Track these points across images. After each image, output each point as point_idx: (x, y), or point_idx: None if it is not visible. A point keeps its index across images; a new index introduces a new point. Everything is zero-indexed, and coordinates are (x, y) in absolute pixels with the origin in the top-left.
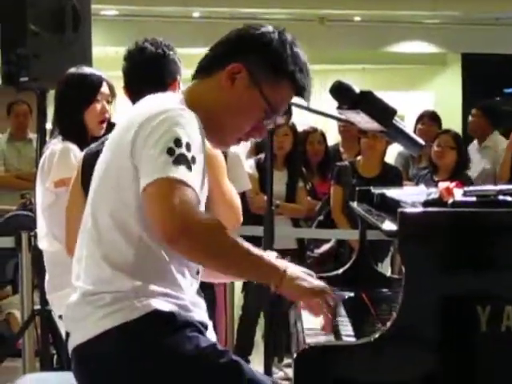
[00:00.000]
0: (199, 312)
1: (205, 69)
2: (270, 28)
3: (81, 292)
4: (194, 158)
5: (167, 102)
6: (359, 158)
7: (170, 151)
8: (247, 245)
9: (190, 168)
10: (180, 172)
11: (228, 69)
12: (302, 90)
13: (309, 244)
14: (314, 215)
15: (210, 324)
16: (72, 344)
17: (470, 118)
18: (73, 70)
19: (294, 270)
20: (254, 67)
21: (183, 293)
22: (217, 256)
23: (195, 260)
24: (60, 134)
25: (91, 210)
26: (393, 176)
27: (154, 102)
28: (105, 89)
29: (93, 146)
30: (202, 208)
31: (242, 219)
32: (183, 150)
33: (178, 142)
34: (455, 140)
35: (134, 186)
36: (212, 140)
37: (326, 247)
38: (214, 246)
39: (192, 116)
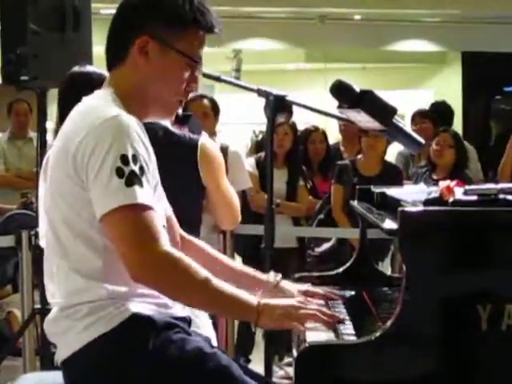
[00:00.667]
0: (180, 307)
1: (115, 58)
2: None
3: (57, 307)
4: (142, 168)
5: (102, 108)
6: (360, 156)
7: (119, 172)
8: (217, 282)
9: (141, 184)
10: (134, 194)
11: (136, 46)
12: (210, 29)
13: (309, 243)
14: (314, 214)
15: (204, 321)
16: (59, 358)
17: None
18: (76, 68)
19: (266, 301)
20: (158, 32)
21: None
22: (181, 295)
23: (163, 294)
24: None
25: (47, 218)
26: (393, 175)
27: (90, 110)
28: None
29: None
30: (162, 214)
31: (240, 218)
32: (131, 165)
33: (124, 158)
34: (454, 139)
35: (85, 200)
36: (157, 114)
37: (326, 246)
38: (176, 285)
39: (127, 118)
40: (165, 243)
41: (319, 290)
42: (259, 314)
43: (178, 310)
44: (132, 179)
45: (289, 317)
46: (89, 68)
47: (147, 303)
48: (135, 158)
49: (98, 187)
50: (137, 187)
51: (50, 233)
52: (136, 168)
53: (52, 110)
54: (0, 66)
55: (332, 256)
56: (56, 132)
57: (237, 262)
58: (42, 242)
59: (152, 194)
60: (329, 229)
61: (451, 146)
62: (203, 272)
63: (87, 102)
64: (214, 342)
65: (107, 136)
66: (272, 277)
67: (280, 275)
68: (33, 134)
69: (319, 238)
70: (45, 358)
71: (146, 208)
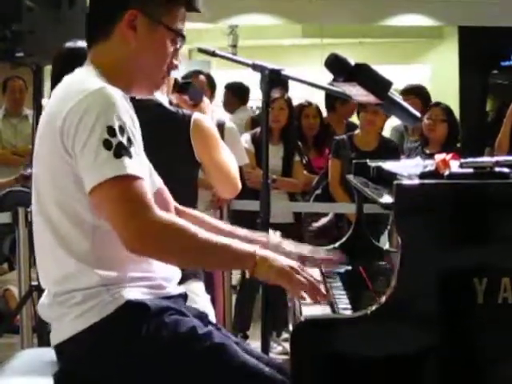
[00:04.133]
0: (175, 285)
1: (99, 32)
2: None
3: (51, 293)
4: (129, 140)
5: (85, 82)
6: (357, 131)
7: (107, 144)
8: (210, 235)
9: (130, 155)
10: (123, 165)
11: (124, 20)
12: (190, 4)
13: (306, 218)
14: (311, 189)
15: (202, 297)
16: (52, 342)
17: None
18: (69, 44)
19: (264, 251)
20: (145, 6)
21: (154, 271)
22: (183, 254)
23: (163, 262)
24: None
25: (36, 199)
26: (390, 150)
27: (74, 84)
28: None
29: None
30: (153, 184)
31: (240, 187)
32: (119, 137)
33: (111, 130)
34: (446, 113)
35: (72, 176)
36: (142, 90)
37: (324, 221)
38: (176, 245)
39: (112, 89)
40: (157, 210)
41: (322, 253)
42: (256, 262)
43: (172, 288)
44: (120, 150)
45: (283, 275)
46: (80, 43)
47: (140, 287)
48: (122, 130)
49: (85, 160)
50: (125, 158)
51: (40, 215)
52: (124, 139)
53: (48, 87)
54: None
55: (330, 231)
56: None
57: (236, 227)
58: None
59: (140, 164)
60: (325, 204)
61: (443, 120)
62: (199, 230)
63: (69, 78)
64: (212, 318)
65: (93, 108)
66: (272, 236)
67: (279, 233)
68: (28, 111)
69: (316, 213)
70: (42, 334)
71: (136, 178)
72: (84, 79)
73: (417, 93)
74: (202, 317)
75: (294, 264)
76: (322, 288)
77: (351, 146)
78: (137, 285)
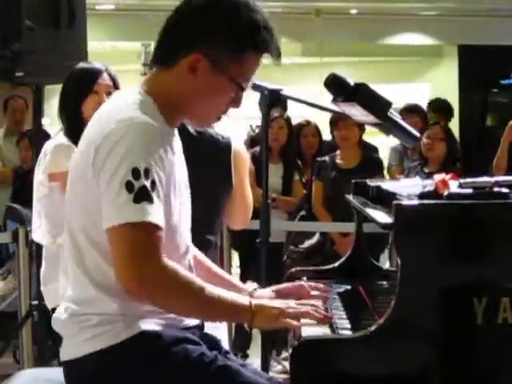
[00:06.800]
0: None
1: (162, 60)
2: None
3: (68, 311)
4: (153, 183)
5: (123, 112)
6: (338, 151)
7: (129, 186)
8: (211, 290)
9: (151, 200)
10: (142, 211)
11: (188, 61)
12: (269, 51)
13: (293, 239)
14: (294, 210)
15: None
16: (62, 356)
17: None
18: (79, 64)
19: (258, 301)
20: (213, 52)
21: None
22: (177, 308)
23: (158, 308)
24: (63, 129)
25: (68, 221)
26: (373, 165)
27: (111, 113)
28: (104, 80)
29: None
30: (184, 222)
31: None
32: (142, 180)
33: (135, 172)
34: (445, 131)
35: (99, 206)
36: (193, 122)
37: (311, 242)
38: (171, 299)
39: (147, 125)
40: (162, 260)
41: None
42: (253, 314)
43: (189, 320)
44: (141, 196)
45: (283, 315)
46: (86, 63)
47: (158, 319)
48: (147, 172)
49: (107, 197)
50: (145, 204)
51: (69, 238)
52: (147, 182)
53: (48, 106)
54: None
55: (317, 252)
56: (68, 130)
57: (223, 272)
58: (35, 236)
59: (161, 209)
60: (318, 222)
61: (442, 139)
62: (198, 281)
63: (110, 103)
64: (225, 344)
65: (122, 144)
66: (250, 286)
67: (256, 285)
68: None
69: (301, 234)
70: (41, 354)
71: (151, 226)
72: (123, 107)
73: (416, 111)
74: (214, 342)
75: (287, 301)
76: (321, 308)
77: (333, 166)
78: (152, 317)
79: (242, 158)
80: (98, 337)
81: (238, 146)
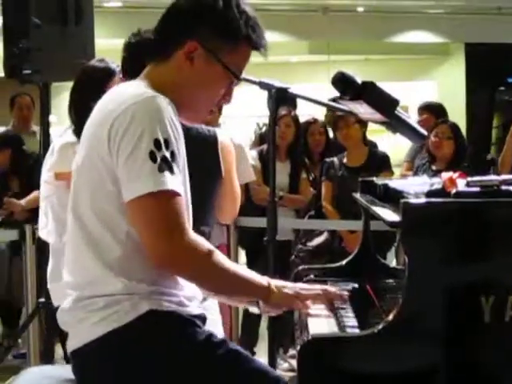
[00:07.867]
0: (196, 305)
1: (159, 52)
2: None
3: (73, 297)
4: (173, 154)
5: (137, 90)
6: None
7: (153, 156)
8: (232, 266)
9: (172, 170)
10: (165, 180)
11: (184, 50)
12: (259, 46)
13: (301, 237)
14: (303, 210)
15: (216, 317)
16: (70, 348)
17: None
18: (92, 62)
19: (275, 281)
20: (209, 41)
21: (178, 288)
22: (204, 281)
23: (188, 281)
24: (71, 127)
25: (72, 206)
26: (380, 162)
27: (124, 92)
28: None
29: None
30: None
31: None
32: (163, 150)
33: (157, 142)
34: (452, 130)
35: (110, 180)
36: (186, 117)
37: (319, 240)
38: (200, 272)
39: (163, 101)
40: (190, 232)
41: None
42: (270, 292)
43: (194, 308)
44: (163, 165)
45: (297, 296)
46: (100, 62)
47: (163, 300)
48: (167, 143)
49: (129, 169)
50: (167, 173)
51: (75, 221)
52: (168, 153)
53: (55, 104)
54: (3, 59)
55: (325, 249)
56: (77, 128)
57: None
58: (41, 233)
59: (181, 181)
60: (325, 220)
61: (449, 137)
62: (223, 259)
63: (119, 88)
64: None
65: (141, 117)
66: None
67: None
68: (36, 128)
69: (310, 232)
70: (47, 352)
71: (175, 195)
72: (135, 88)
73: (431, 109)
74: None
75: (297, 286)
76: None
77: (340, 166)
78: (159, 298)
79: (228, 150)
80: (104, 320)
81: (224, 138)
